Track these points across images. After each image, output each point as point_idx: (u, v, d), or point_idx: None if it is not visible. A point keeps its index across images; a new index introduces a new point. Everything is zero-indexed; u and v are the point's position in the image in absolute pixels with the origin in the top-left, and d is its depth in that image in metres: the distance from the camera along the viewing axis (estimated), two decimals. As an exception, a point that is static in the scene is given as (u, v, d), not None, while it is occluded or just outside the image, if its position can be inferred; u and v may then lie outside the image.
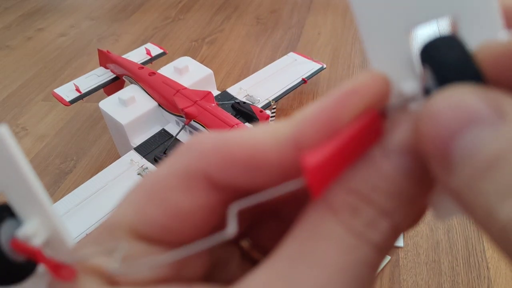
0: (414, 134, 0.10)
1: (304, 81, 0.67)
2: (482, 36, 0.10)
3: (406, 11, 0.11)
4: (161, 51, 0.76)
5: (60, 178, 0.64)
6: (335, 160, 0.10)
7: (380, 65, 0.11)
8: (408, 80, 0.10)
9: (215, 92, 0.67)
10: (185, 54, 0.90)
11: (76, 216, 0.50)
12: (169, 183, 0.12)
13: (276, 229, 0.14)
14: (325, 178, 0.10)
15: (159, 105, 0.61)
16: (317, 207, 0.11)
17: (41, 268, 0.11)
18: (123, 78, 0.69)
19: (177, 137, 0.59)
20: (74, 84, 0.68)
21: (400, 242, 0.47)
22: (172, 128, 0.61)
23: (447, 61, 0.10)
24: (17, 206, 0.11)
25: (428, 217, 0.50)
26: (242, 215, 0.11)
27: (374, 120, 0.10)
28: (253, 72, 0.71)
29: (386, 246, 0.11)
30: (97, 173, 0.55)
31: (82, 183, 0.53)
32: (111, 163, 0.56)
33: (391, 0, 0.11)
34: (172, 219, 0.12)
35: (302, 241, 0.11)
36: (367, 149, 0.10)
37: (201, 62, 0.70)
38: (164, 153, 0.56)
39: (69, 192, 0.53)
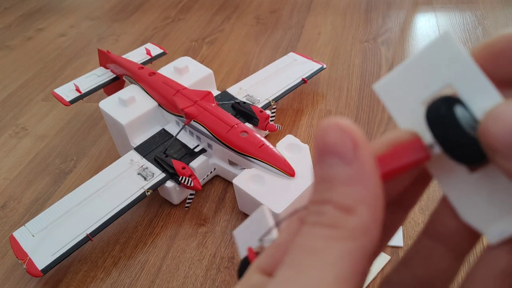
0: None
1: (304, 81, 0.67)
2: (472, 93, 0.13)
3: (416, 91, 0.14)
4: (161, 51, 0.76)
5: (60, 178, 0.64)
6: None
7: (407, 126, 0.15)
8: (425, 135, 0.14)
9: (215, 92, 0.67)
10: (185, 54, 0.90)
11: (76, 216, 0.50)
12: None
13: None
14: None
15: (159, 105, 0.61)
16: (302, 226, 0.13)
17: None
18: (123, 78, 0.69)
19: (177, 137, 0.59)
20: (74, 84, 0.68)
21: (400, 242, 0.47)
22: (172, 128, 0.61)
23: (434, 124, 0.13)
24: (464, 92, 0.14)
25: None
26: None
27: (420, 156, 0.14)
28: (253, 72, 0.71)
29: (360, 236, 0.12)
30: (97, 173, 0.55)
31: (82, 183, 0.54)
32: (111, 163, 0.56)
33: (406, 89, 0.15)
34: None
35: (295, 256, 0.13)
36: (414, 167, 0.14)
37: (201, 62, 0.71)
38: (164, 153, 0.56)
39: (69, 192, 0.53)
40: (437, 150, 0.14)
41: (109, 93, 0.70)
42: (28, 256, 0.46)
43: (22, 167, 0.67)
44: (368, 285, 0.44)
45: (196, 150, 0.57)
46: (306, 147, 0.53)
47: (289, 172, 0.50)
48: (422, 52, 0.14)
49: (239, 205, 0.53)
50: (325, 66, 0.71)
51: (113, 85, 0.71)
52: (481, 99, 0.13)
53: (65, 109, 0.78)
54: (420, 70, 0.14)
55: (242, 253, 0.18)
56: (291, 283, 0.12)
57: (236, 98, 0.64)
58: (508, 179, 0.12)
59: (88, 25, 1.12)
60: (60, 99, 0.67)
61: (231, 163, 0.56)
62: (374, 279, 0.44)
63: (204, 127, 0.56)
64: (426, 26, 0.89)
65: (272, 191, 0.49)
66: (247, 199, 0.50)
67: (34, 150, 0.71)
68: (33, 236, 0.48)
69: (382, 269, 0.45)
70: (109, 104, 0.61)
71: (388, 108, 0.15)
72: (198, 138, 0.58)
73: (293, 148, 0.54)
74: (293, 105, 0.71)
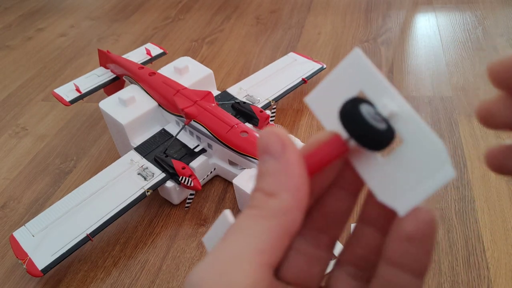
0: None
1: (304, 81, 0.67)
2: (377, 94, 0.16)
3: (336, 99, 0.17)
4: (161, 51, 0.76)
5: (60, 178, 0.64)
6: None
7: (331, 127, 0.17)
8: (343, 132, 0.17)
9: (215, 92, 0.67)
10: (185, 54, 0.90)
11: (76, 216, 0.50)
12: None
13: (353, 281, 0.19)
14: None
15: (159, 105, 0.61)
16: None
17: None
18: (123, 78, 0.69)
19: (177, 137, 0.59)
20: (74, 84, 0.68)
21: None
22: (172, 128, 0.61)
23: (344, 121, 0.16)
24: (371, 94, 0.17)
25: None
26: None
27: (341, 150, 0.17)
28: (253, 72, 0.71)
29: (281, 215, 0.15)
30: (97, 173, 0.55)
31: (82, 183, 0.54)
32: (111, 163, 0.56)
33: (328, 98, 0.18)
34: None
35: (227, 233, 0.15)
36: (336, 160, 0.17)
37: (201, 62, 0.71)
38: (164, 153, 0.56)
39: (69, 192, 0.53)
40: (352, 142, 0.16)
41: (109, 93, 0.70)
42: (28, 256, 0.46)
43: (22, 167, 0.67)
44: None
45: (196, 150, 0.57)
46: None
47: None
48: (338, 67, 0.18)
49: (239, 205, 0.53)
50: (325, 66, 0.71)
51: (113, 85, 0.71)
52: (383, 96, 0.16)
53: (65, 109, 0.78)
54: (338, 81, 0.18)
55: None
56: (218, 253, 0.14)
57: (236, 98, 0.64)
58: (410, 158, 0.16)
59: (88, 25, 1.12)
60: (60, 99, 0.67)
61: (231, 163, 0.56)
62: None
63: (204, 127, 0.56)
64: (426, 26, 0.89)
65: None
66: (247, 199, 0.50)
67: (34, 150, 0.71)
68: (33, 236, 0.48)
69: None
70: (109, 104, 0.61)
71: (316, 115, 0.18)
72: (198, 138, 0.58)
73: (293, 148, 0.53)
74: (293, 105, 0.71)
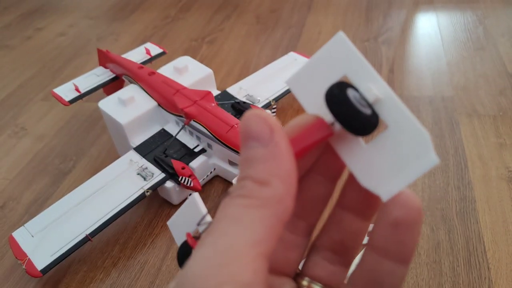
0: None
1: (304, 80, 0.67)
2: (361, 78, 0.16)
3: (318, 82, 0.17)
4: (161, 50, 0.76)
5: (60, 178, 0.64)
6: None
7: (313, 111, 0.17)
8: (327, 116, 0.17)
9: (215, 92, 0.66)
10: (185, 53, 0.90)
11: (76, 216, 0.50)
12: None
13: (329, 266, 0.19)
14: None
15: (159, 105, 0.61)
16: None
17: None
18: (123, 77, 0.69)
19: (177, 137, 0.58)
20: (74, 84, 0.68)
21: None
22: (172, 128, 0.60)
23: (331, 105, 0.16)
24: (355, 80, 0.16)
25: (429, 218, 0.50)
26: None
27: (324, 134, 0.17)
28: (253, 72, 0.71)
29: (274, 204, 0.14)
30: (96, 173, 0.54)
31: (82, 183, 0.53)
32: (110, 163, 0.55)
33: (311, 81, 0.18)
34: None
35: (217, 223, 0.15)
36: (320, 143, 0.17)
37: (201, 62, 0.70)
38: (164, 153, 0.56)
39: (69, 192, 0.52)
40: (337, 126, 0.16)
41: (109, 92, 0.70)
42: (27, 256, 0.46)
43: (21, 167, 0.67)
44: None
45: (196, 150, 0.57)
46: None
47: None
48: (321, 50, 0.17)
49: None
50: (325, 65, 0.71)
51: (112, 85, 0.71)
52: (367, 82, 0.16)
53: (65, 109, 0.78)
54: (321, 65, 0.17)
55: (179, 240, 0.20)
56: (210, 246, 0.14)
57: (236, 98, 0.63)
58: (394, 144, 0.16)
59: (88, 24, 1.11)
60: (59, 98, 0.67)
61: (231, 163, 0.56)
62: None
63: (204, 127, 0.55)
64: (427, 26, 0.88)
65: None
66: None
67: (33, 150, 0.70)
68: (32, 236, 0.48)
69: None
70: (108, 104, 0.61)
71: (297, 97, 0.18)
72: (198, 138, 0.58)
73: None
74: (293, 105, 0.70)
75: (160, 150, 0.56)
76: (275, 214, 0.14)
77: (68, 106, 0.68)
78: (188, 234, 0.19)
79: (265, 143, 0.15)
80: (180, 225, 0.20)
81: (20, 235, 0.48)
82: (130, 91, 0.62)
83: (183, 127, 0.58)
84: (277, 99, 0.64)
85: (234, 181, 0.51)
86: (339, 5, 1.01)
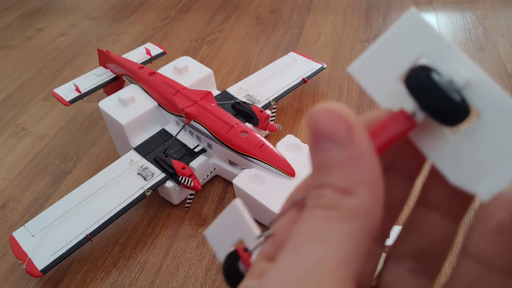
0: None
1: (304, 81, 0.67)
2: (443, 60, 0.14)
3: (390, 67, 0.15)
4: (161, 50, 0.76)
5: (60, 178, 0.64)
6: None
7: (386, 101, 0.15)
8: (407, 105, 0.14)
9: (215, 92, 0.66)
10: (185, 53, 0.90)
11: (76, 216, 0.50)
12: None
13: (412, 278, 0.16)
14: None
15: (159, 105, 0.61)
16: (303, 213, 0.13)
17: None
18: (123, 78, 0.69)
19: (177, 137, 0.59)
20: (74, 84, 0.68)
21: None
22: (172, 128, 0.61)
23: (416, 90, 0.14)
24: (436, 61, 0.14)
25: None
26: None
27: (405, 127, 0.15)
28: (253, 72, 0.71)
29: (362, 216, 0.12)
30: (96, 173, 0.54)
31: (82, 183, 0.53)
32: (111, 163, 0.56)
33: (379, 67, 0.15)
34: None
35: (295, 239, 0.13)
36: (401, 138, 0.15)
37: (201, 62, 0.70)
38: (164, 153, 0.56)
39: (69, 192, 0.53)
40: (419, 117, 0.14)
41: (109, 93, 0.70)
42: (27, 256, 0.46)
43: (22, 167, 0.67)
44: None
45: (196, 150, 0.57)
46: (306, 147, 0.53)
47: (289, 172, 0.49)
48: (391, 30, 0.15)
49: (239, 205, 0.53)
50: (325, 66, 0.71)
51: (112, 85, 0.71)
52: (452, 63, 0.14)
53: (65, 109, 0.78)
54: (391, 47, 0.15)
55: (220, 252, 0.18)
56: (292, 266, 0.12)
57: (236, 98, 0.64)
58: (491, 134, 0.13)
59: (88, 24, 1.11)
60: (59, 99, 0.67)
61: (231, 163, 0.56)
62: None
63: (204, 127, 0.55)
64: (427, 26, 0.88)
65: (272, 191, 0.49)
66: (247, 199, 0.50)
67: (34, 150, 0.71)
68: (32, 236, 0.48)
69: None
70: (108, 104, 0.61)
71: (365, 88, 0.16)
72: (198, 138, 0.58)
73: (293, 148, 0.53)
74: (293, 105, 0.70)
75: (160, 150, 0.57)
76: (363, 227, 0.12)
77: (69, 106, 0.68)
78: (240, 249, 0.17)
79: (343, 144, 0.13)
80: (220, 235, 0.18)
81: (21, 235, 0.48)
82: (130, 91, 0.62)
83: (183, 127, 0.58)
84: (277, 99, 0.64)
85: (234, 181, 0.51)
86: (338, 5, 1.01)
